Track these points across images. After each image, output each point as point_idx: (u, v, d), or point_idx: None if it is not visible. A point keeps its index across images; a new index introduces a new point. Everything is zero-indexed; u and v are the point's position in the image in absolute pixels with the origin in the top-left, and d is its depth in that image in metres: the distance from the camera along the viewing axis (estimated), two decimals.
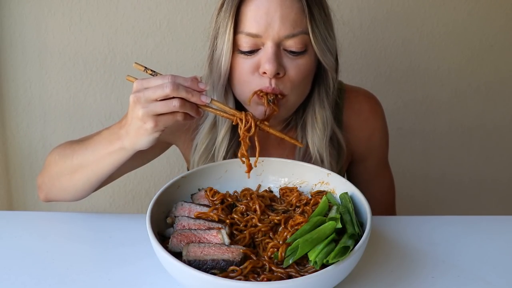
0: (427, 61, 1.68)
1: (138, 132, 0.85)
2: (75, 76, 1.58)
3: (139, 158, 1.04)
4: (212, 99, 0.86)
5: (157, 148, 1.10)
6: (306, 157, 1.07)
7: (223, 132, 1.04)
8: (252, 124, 0.90)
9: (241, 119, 0.90)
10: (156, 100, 0.82)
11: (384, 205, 1.25)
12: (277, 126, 1.08)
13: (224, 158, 1.05)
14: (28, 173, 1.68)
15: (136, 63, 0.90)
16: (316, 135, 1.04)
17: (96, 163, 0.94)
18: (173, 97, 0.82)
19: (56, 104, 1.61)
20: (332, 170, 1.04)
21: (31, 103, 1.60)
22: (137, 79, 0.86)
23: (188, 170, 1.23)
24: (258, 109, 0.97)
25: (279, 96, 0.95)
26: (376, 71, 1.67)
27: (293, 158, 1.08)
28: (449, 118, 1.75)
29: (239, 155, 0.93)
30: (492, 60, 1.69)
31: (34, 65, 1.57)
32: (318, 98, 1.03)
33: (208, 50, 1.00)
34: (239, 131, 0.91)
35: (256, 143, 0.92)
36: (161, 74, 0.87)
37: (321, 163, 1.05)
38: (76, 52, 1.56)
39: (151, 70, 0.89)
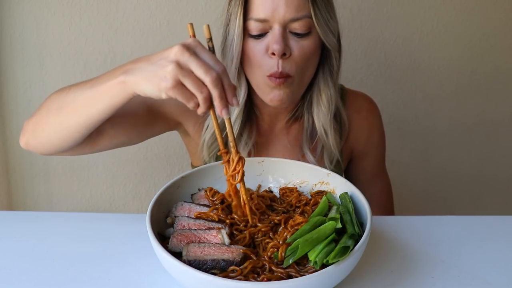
0: (427, 60, 1.68)
1: (148, 76, 0.76)
2: (75, 76, 1.58)
3: (141, 124, 1.05)
4: (228, 119, 0.79)
5: (162, 122, 1.11)
6: (313, 133, 1.12)
7: (236, 113, 1.08)
8: (239, 175, 0.83)
9: (232, 160, 0.83)
10: (192, 73, 0.74)
11: (383, 206, 1.27)
12: (287, 107, 1.13)
13: (235, 141, 1.03)
14: (28, 173, 1.68)
15: (207, 25, 0.78)
16: (321, 112, 1.10)
17: (90, 100, 0.85)
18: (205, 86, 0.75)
19: None
20: (336, 145, 1.12)
21: (31, 103, 1.60)
22: (195, 38, 0.77)
23: (191, 163, 1.26)
24: (272, 93, 1.02)
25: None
26: (376, 71, 1.68)
27: (301, 139, 1.14)
28: (449, 117, 1.75)
29: (226, 194, 0.88)
30: (492, 60, 1.69)
31: (34, 65, 1.57)
32: (322, 77, 1.09)
33: (222, 37, 1.06)
34: (225, 173, 0.85)
35: (244, 197, 0.84)
36: (215, 57, 0.77)
37: (326, 137, 1.11)
38: (76, 52, 1.56)
39: (212, 44, 0.79)
